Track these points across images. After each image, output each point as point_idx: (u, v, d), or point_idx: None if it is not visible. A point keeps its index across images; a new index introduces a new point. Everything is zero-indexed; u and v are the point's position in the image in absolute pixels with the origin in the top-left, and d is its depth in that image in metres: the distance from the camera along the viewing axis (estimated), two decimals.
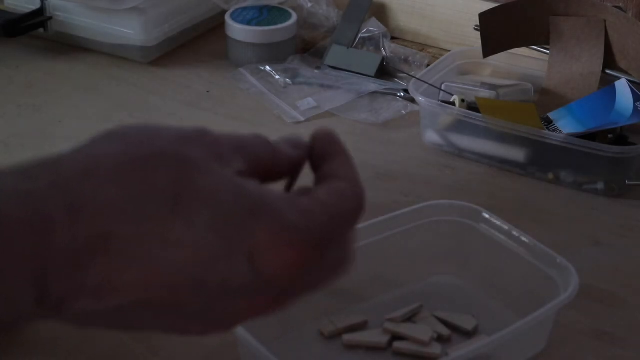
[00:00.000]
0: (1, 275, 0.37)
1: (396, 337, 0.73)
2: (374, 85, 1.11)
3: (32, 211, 0.38)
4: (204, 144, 0.42)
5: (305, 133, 1.10)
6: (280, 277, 0.41)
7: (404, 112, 1.07)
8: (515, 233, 0.76)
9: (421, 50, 1.19)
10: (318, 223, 0.42)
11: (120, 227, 0.39)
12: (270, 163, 0.45)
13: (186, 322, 0.42)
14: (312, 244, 0.42)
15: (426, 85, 1.02)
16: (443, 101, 1.00)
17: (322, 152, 0.47)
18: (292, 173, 0.47)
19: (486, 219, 0.78)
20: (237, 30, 1.15)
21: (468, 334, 0.74)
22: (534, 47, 1.08)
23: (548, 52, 1.05)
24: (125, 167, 0.40)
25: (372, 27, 1.19)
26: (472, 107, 0.97)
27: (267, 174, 0.45)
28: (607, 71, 1.02)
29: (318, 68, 1.15)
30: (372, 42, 1.19)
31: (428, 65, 1.12)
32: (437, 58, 1.10)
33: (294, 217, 0.41)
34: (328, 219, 0.43)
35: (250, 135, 0.45)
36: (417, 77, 1.04)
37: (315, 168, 0.47)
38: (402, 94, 1.09)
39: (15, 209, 0.38)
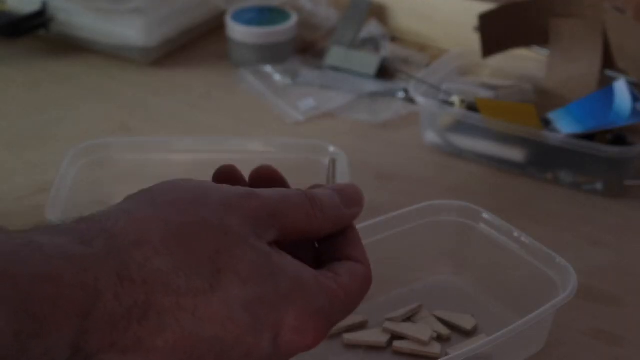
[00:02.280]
0: (46, 334, 0.39)
1: (396, 336, 0.73)
2: (373, 85, 1.11)
3: (85, 278, 0.40)
4: (244, 214, 0.44)
5: (306, 133, 1.10)
6: (295, 353, 0.45)
7: (403, 112, 1.07)
8: (514, 233, 0.76)
9: (421, 51, 1.20)
10: (341, 309, 0.46)
11: (161, 298, 0.41)
12: (309, 229, 0.47)
13: None
14: (332, 325, 0.45)
15: (426, 85, 1.02)
16: (443, 101, 1.01)
17: None
18: (333, 231, 0.48)
19: (485, 219, 0.78)
20: (237, 31, 1.16)
21: (467, 334, 0.74)
22: (534, 47, 1.09)
23: (547, 52, 1.06)
24: (170, 239, 0.42)
25: (372, 27, 1.20)
26: (472, 107, 0.98)
27: (303, 235, 0.47)
28: (606, 72, 1.03)
29: (318, 68, 1.15)
30: (372, 42, 1.19)
31: (428, 65, 1.13)
32: (437, 58, 1.11)
33: (322, 304, 0.45)
34: (348, 302, 0.46)
35: (294, 197, 0.46)
36: (417, 77, 1.04)
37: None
38: (402, 95, 1.09)
39: (70, 273, 0.39)
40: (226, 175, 0.49)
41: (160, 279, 0.41)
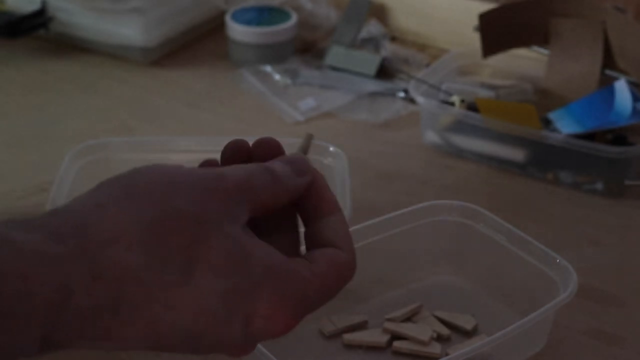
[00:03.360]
0: (13, 329, 0.39)
1: (396, 336, 0.73)
2: (374, 85, 1.11)
3: (57, 276, 0.40)
4: (218, 196, 0.44)
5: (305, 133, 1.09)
6: (265, 339, 0.44)
7: (403, 112, 1.07)
8: (514, 233, 0.76)
9: (421, 51, 1.20)
10: (316, 297, 0.45)
11: (133, 293, 0.41)
12: (273, 200, 0.46)
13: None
14: (306, 312, 0.45)
15: (426, 85, 1.02)
16: (443, 101, 1.01)
17: (315, 203, 0.48)
18: (292, 202, 0.48)
19: (485, 219, 0.78)
20: (237, 31, 1.16)
21: (467, 334, 0.74)
22: (534, 47, 1.09)
23: (547, 52, 1.06)
24: (144, 234, 0.42)
25: (372, 27, 1.20)
26: (472, 107, 0.98)
27: (268, 210, 0.46)
28: (606, 72, 1.03)
29: (318, 68, 1.15)
30: (372, 42, 1.19)
31: (428, 65, 1.13)
32: (437, 58, 1.11)
33: (294, 292, 0.44)
34: (323, 291, 0.46)
35: (257, 172, 0.46)
36: (417, 77, 1.04)
37: (308, 217, 0.48)
38: (402, 94, 1.09)
39: (42, 271, 0.40)
40: (234, 148, 0.49)
41: (133, 275, 0.41)
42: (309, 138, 0.52)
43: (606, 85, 0.99)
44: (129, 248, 0.41)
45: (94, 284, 0.40)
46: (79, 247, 0.41)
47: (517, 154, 0.96)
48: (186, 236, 0.42)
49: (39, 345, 0.40)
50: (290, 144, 0.88)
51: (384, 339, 0.73)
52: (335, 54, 1.15)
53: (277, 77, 1.14)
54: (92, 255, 0.41)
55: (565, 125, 0.95)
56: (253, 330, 0.44)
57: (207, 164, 0.48)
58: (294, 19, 1.17)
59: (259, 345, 0.65)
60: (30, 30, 1.17)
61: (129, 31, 1.15)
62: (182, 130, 1.04)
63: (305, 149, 0.51)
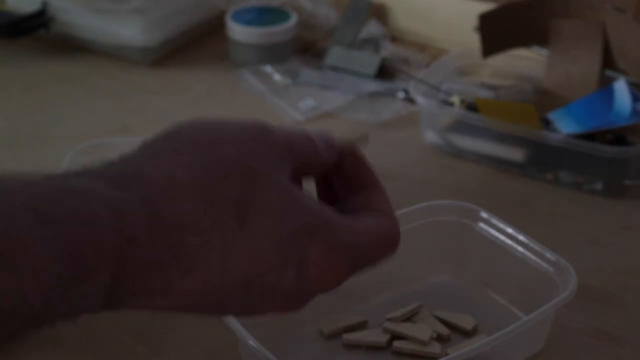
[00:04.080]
0: (84, 276, 0.39)
1: (396, 336, 0.73)
2: (373, 85, 1.11)
3: (122, 221, 0.40)
4: (265, 148, 0.45)
5: None
6: (317, 288, 0.45)
7: (403, 112, 1.07)
8: (514, 233, 0.76)
9: (421, 51, 1.20)
10: (365, 254, 0.47)
11: (191, 239, 0.42)
12: (310, 166, 0.48)
13: (219, 314, 0.47)
14: (353, 265, 0.46)
15: (426, 85, 1.02)
16: (443, 101, 1.01)
17: (356, 176, 0.50)
18: (320, 174, 0.50)
19: (485, 219, 0.78)
20: (237, 31, 1.16)
21: (467, 334, 0.74)
22: (534, 47, 1.09)
23: (547, 52, 1.06)
24: (196, 180, 0.43)
25: (372, 27, 1.20)
26: (472, 107, 0.98)
27: (304, 174, 0.48)
28: (606, 72, 1.03)
29: (318, 68, 1.15)
30: (372, 42, 1.19)
31: (428, 65, 1.13)
32: (437, 58, 1.11)
33: (345, 242, 0.45)
34: (370, 245, 0.47)
35: (300, 135, 0.48)
36: (417, 77, 1.04)
37: (348, 190, 0.50)
38: (402, 95, 1.09)
39: (107, 217, 0.40)
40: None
41: (190, 220, 0.42)
42: (365, 139, 0.53)
43: (606, 85, 0.99)
44: (184, 195, 0.42)
45: (154, 228, 0.41)
46: (138, 193, 0.41)
47: (517, 154, 0.96)
48: (237, 183, 0.43)
49: (103, 298, 0.40)
50: None
51: (384, 338, 0.73)
52: (335, 54, 1.15)
53: (277, 77, 1.14)
54: (151, 201, 0.41)
55: (565, 125, 0.95)
56: (306, 279, 0.44)
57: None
58: (294, 19, 1.17)
59: (260, 345, 0.65)
60: (31, 30, 1.17)
61: (129, 31, 1.15)
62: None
63: (353, 141, 0.52)
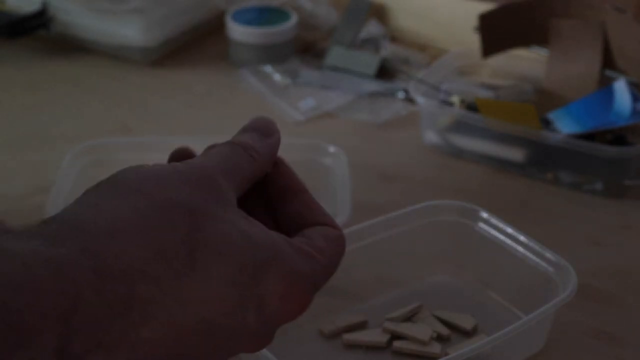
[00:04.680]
0: (27, 342, 0.37)
1: (396, 336, 0.73)
2: (374, 85, 1.11)
3: (63, 279, 0.38)
4: (204, 185, 0.44)
5: (306, 133, 1.10)
6: (283, 322, 0.44)
7: (403, 112, 1.07)
8: (514, 233, 0.76)
9: (421, 51, 1.20)
10: (322, 273, 0.45)
11: (142, 288, 0.40)
12: (251, 174, 0.47)
13: None
14: (315, 290, 0.44)
15: (426, 85, 1.02)
16: (443, 101, 1.01)
17: (282, 183, 0.49)
18: (269, 168, 0.49)
19: (485, 219, 0.78)
20: (237, 31, 1.16)
21: (467, 334, 0.74)
22: (534, 47, 1.09)
23: (547, 52, 1.06)
24: (142, 225, 0.41)
25: (372, 27, 1.20)
26: (472, 107, 0.98)
27: (250, 183, 0.47)
28: (606, 72, 1.03)
29: (318, 68, 1.15)
30: (372, 42, 1.19)
31: (428, 65, 1.13)
32: (437, 58, 1.11)
33: (302, 268, 0.44)
34: (327, 265, 0.45)
35: (229, 152, 0.46)
36: (417, 77, 1.04)
37: (277, 199, 0.48)
38: (402, 95, 1.10)
39: (47, 278, 0.38)
40: (181, 156, 0.49)
41: (139, 267, 0.40)
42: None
43: (606, 85, 0.99)
44: (129, 242, 0.40)
45: (100, 282, 0.39)
46: (78, 246, 0.40)
47: (517, 154, 0.96)
48: (183, 225, 0.41)
49: (55, 359, 0.38)
50: (291, 144, 0.89)
51: (384, 338, 0.73)
52: (335, 54, 1.15)
53: (277, 77, 1.14)
54: (94, 252, 0.40)
55: (565, 125, 0.95)
56: (268, 313, 0.43)
57: (179, 153, 0.48)
58: (294, 19, 1.17)
59: None
60: (31, 31, 1.17)
61: (129, 31, 1.15)
62: (182, 130, 1.04)
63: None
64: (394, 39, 1.22)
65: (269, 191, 0.49)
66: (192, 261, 0.41)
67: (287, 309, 0.43)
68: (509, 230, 0.77)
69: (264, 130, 0.48)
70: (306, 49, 1.20)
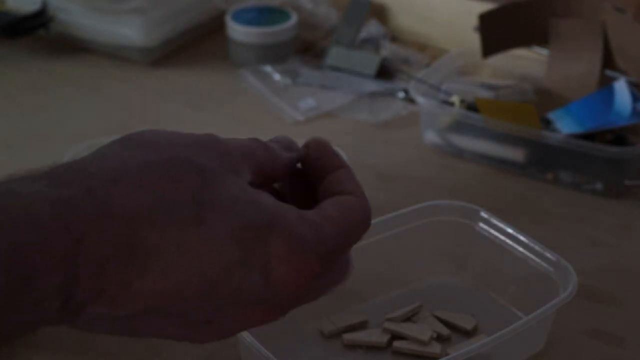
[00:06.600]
0: (34, 281, 0.38)
1: (396, 336, 0.73)
2: (374, 85, 1.11)
3: (67, 217, 0.39)
4: (218, 153, 0.44)
5: (306, 133, 1.10)
6: (290, 288, 0.43)
7: (403, 112, 1.07)
8: (514, 233, 0.76)
9: (421, 51, 1.20)
10: (328, 237, 0.44)
11: (146, 234, 0.40)
12: (271, 169, 0.47)
13: (189, 329, 0.43)
14: (322, 257, 0.43)
15: (426, 85, 1.02)
16: (443, 101, 1.01)
17: (321, 163, 0.49)
18: (287, 175, 0.49)
19: (485, 219, 0.78)
20: (237, 31, 1.16)
21: (467, 334, 0.74)
22: (534, 47, 1.09)
23: (547, 52, 1.06)
24: (149, 174, 0.41)
25: (372, 27, 1.20)
26: (472, 107, 0.98)
27: (267, 179, 0.47)
28: (606, 72, 1.03)
29: (318, 68, 1.15)
30: (372, 42, 1.19)
31: (428, 65, 1.13)
32: (437, 58, 1.11)
33: (306, 234, 0.43)
34: (336, 232, 0.44)
35: (251, 141, 0.47)
36: (417, 77, 1.04)
37: (314, 179, 0.49)
38: (402, 95, 1.09)
39: (51, 215, 0.38)
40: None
41: (143, 213, 0.40)
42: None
43: (606, 85, 0.99)
44: (135, 186, 0.40)
45: (104, 223, 0.39)
46: (83, 188, 0.40)
47: (517, 154, 0.96)
48: (193, 180, 0.41)
49: (59, 303, 0.38)
50: None
51: (384, 339, 0.73)
52: (335, 54, 1.15)
53: (277, 77, 1.14)
54: (98, 194, 0.40)
55: (565, 125, 0.95)
56: (273, 276, 0.42)
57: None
58: (294, 19, 1.17)
59: (259, 345, 0.65)
60: (31, 30, 1.17)
61: (129, 31, 1.15)
62: (182, 131, 1.04)
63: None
64: (394, 39, 1.22)
65: (308, 171, 0.49)
66: (197, 215, 0.41)
67: (291, 273, 0.42)
68: (509, 230, 0.77)
69: (286, 145, 0.49)
70: (306, 49, 1.20)
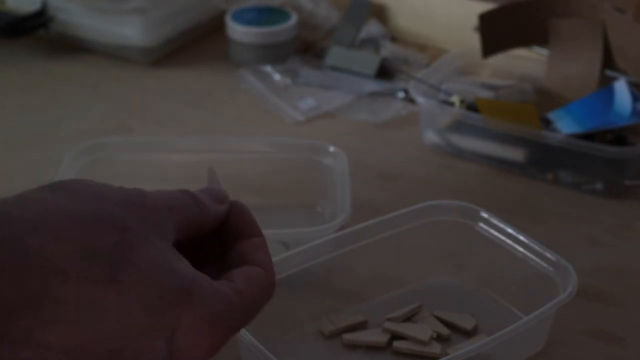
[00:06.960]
0: None
1: (396, 336, 0.73)
2: (373, 85, 1.11)
3: None
4: (144, 211, 0.43)
5: (306, 133, 1.10)
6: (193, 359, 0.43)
7: (403, 112, 1.07)
8: (514, 233, 0.76)
9: (421, 51, 1.20)
10: (239, 315, 0.45)
11: (58, 287, 0.39)
12: (199, 222, 0.47)
13: None
14: (230, 333, 0.44)
15: (426, 85, 1.02)
16: (443, 101, 1.01)
17: (239, 226, 0.49)
18: (215, 228, 0.48)
19: (485, 219, 0.78)
20: (237, 31, 1.16)
21: (467, 334, 0.74)
22: (534, 47, 1.09)
23: (547, 52, 1.06)
24: (70, 226, 0.41)
25: (372, 27, 1.20)
26: (472, 107, 0.98)
27: (195, 232, 0.47)
28: (606, 72, 1.03)
29: (318, 68, 1.15)
30: (372, 42, 1.19)
31: (428, 65, 1.13)
32: (437, 58, 1.11)
33: (218, 309, 0.43)
34: (248, 308, 0.45)
35: (180, 194, 0.46)
36: (417, 77, 1.04)
37: (227, 239, 0.48)
38: (402, 95, 1.09)
39: None
40: None
41: (58, 265, 0.39)
42: (212, 173, 0.52)
43: (606, 85, 0.99)
44: (54, 237, 0.40)
45: (18, 272, 0.39)
46: (5, 233, 0.39)
47: (517, 154, 0.96)
48: (112, 237, 0.41)
49: None
50: (291, 144, 0.89)
51: (384, 339, 0.73)
52: (335, 54, 1.15)
53: (277, 77, 1.14)
54: (14, 241, 0.39)
55: (565, 125, 0.95)
56: (177, 347, 0.42)
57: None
58: (294, 19, 1.17)
59: (259, 345, 0.65)
60: (31, 30, 1.17)
61: (129, 31, 1.15)
62: (182, 130, 1.04)
63: (215, 183, 0.51)
64: (394, 39, 1.22)
65: (223, 232, 0.49)
66: (114, 274, 0.40)
67: (197, 346, 0.43)
68: (509, 230, 0.77)
69: (216, 196, 0.48)
70: (306, 49, 1.20)
